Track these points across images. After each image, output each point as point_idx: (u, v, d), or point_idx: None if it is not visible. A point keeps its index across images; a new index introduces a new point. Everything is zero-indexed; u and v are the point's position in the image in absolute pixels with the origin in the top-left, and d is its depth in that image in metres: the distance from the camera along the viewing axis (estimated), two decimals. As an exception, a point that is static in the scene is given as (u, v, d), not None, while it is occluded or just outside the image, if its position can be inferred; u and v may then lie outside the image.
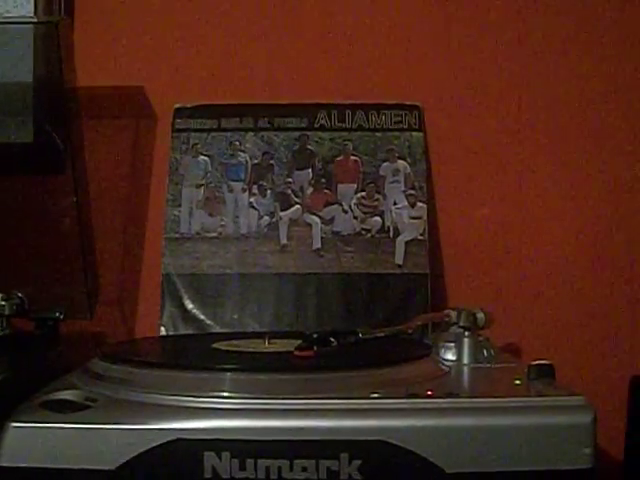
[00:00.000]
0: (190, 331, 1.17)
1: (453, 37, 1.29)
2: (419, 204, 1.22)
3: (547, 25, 1.28)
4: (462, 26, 1.29)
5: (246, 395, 0.79)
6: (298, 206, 1.22)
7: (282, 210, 1.22)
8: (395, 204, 1.22)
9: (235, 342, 1.00)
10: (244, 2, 1.29)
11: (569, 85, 1.28)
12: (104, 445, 0.76)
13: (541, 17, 1.28)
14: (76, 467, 0.76)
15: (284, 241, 1.21)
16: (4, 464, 0.76)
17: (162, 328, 1.18)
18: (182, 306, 1.19)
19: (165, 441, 0.76)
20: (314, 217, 1.22)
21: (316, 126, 1.24)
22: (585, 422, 0.77)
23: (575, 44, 1.28)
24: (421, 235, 1.21)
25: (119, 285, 1.28)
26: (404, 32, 1.29)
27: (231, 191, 1.23)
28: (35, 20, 1.21)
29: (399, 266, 1.20)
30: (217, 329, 1.17)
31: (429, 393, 0.80)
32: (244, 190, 1.23)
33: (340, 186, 1.23)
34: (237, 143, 1.24)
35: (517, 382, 0.85)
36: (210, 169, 1.23)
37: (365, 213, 1.22)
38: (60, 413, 0.79)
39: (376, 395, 0.79)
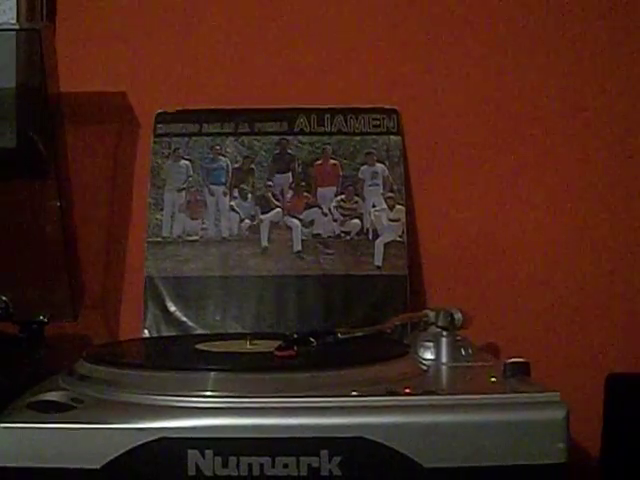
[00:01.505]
0: (173, 333, 1.18)
1: (431, 41, 1.30)
2: (397, 206, 1.23)
3: (528, 26, 1.30)
4: (440, 30, 1.30)
5: (229, 394, 0.80)
6: (278, 209, 1.24)
7: (263, 213, 1.23)
8: (374, 207, 1.23)
9: (217, 343, 1.02)
10: (224, 9, 1.30)
11: (550, 87, 1.30)
12: (89, 444, 0.77)
13: (522, 18, 1.30)
14: (62, 466, 0.77)
15: (265, 244, 1.22)
16: (-9, 464, 0.77)
17: (145, 330, 1.19)
18: (165, 308, 1.20)
19: (149, 440, 0.77)
20: (294, 220, 1.23)
21: (296, 130, 1.26)
22: (558, 417, 0.79)
23: (559, 44, 1.30)
24: (400, 237, 1.22)
25: (102, 288, 1.29)
26: (382, 36, 1.30)
27: (212, 195, 1.24)
28: (17, 27, 1.22)
29: (378, 267, 1.21)
30: (199, 331, 1.19)
31: (407, 391, 0.82)
32: (225, 194, 1.24)
33: (320, 189, 1.24)
34: (218, 147, 1.25)
35: (493, 379, 0.87)
36: (191, 173, 1.25)
37: (344, 216, 1.23)
38: (46, 413, 0.80)
39: (356, 393, 0.81)
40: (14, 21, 1.26)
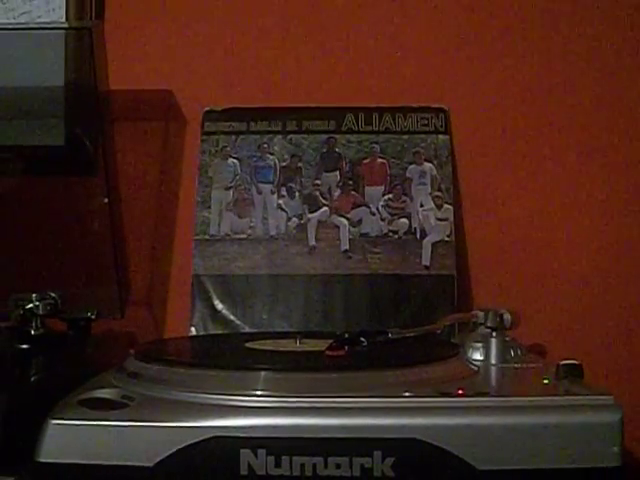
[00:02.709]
0: (220, 331, 1.19)
1: (479, 40, 1.30)
2: (445, 206, 1.23)
3: (573, 27, 1.29)
4: (488, 29, 1.29)
5: (281, 393, 0.80)
6: (326, 208, 1.23)
7: (310, 212, 1.23)
8: (422, 206, 1.23)
9: (267, 342, 1.02)
10: (272, 7, 1.30)
11: (595, 86, 1.29)
12: (142, 442, 0.78)
13: (566, 20, 1.29)
14: (114, 464, 0.77)
15: (312, 242, 1.22)
16: (44, 460, 0.78)
17: (192, 328, 1.19)
18: (212, 307, 1.20)
19: (202, 439, 0.77)
20: (342, 219, 1.23)
21: (344, 129, 1.26)
22: (613, 421, 0.78)
23: (600, 45, 1.29)
24: (447, 236, 1.22)
25: (150, 286, 1.30)
26: (430, 36, 1.30)
27: (260, 193, 1.24)
28: (67, 26, 1.23)
29: (426, 267, 1.21)
30: (246, 329, 1.19)
31: (460, 392, 0.81)
32: (273, 192, 1.24)
33: (367, 188, 1.24)
34: (266, 146, 1.25)
35: (546, 381, 0.86)
36: (239, 171, 1.25)
37: (392, 215, 1.23)
38: (98, 411, 0.80)
39: (408, 394, 0.80)
40: (63, 19, 1.26)
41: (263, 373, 0.84)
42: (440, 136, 1.26)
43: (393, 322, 1.15)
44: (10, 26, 1.20)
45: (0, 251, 1.22)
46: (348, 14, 1.30)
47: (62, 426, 0.78)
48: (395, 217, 1.23)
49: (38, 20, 1.25)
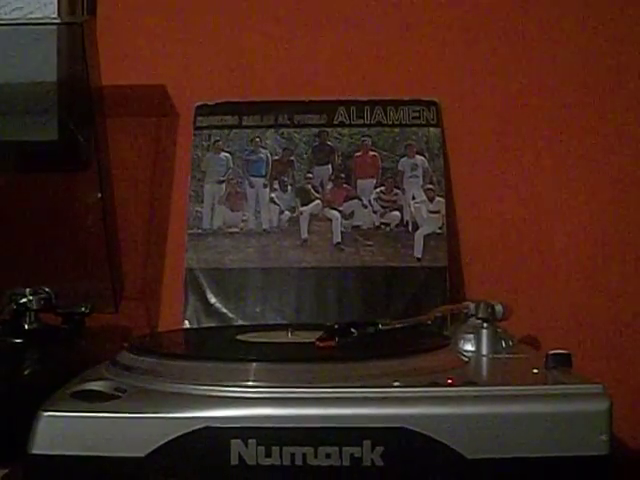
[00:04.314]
0: (213, 324, 1.19)
1: (470, 33, 1.30)
2: (437, 198, 1.23)
3: (565, 23, 1.29)
4: (479, 22, 1.30)
5: (271, 384, 0.81)
6: (318, 201, 1.24)
7: (303, 205, 1.24)
8: (414, 198, 1.23)
9: (259, 334, 1.02)
10: (263, 1, 1.31)
11: (585, 82, 1.29)
12: (133, 433, 0.78)
13: (559, 15, 1.29)
14: (106, 455, 0.78)
15: (305, 236, 1.23)
16: (37, 452, 0.78)
17: (186, 321, 1.20)
18: (205, 300, 1.21)
19: (192, 429, 0.77)
20: (334, 212, 1.23)
21: (335, 122, 1.26)
22: (602, 409, 0.78)
23: (592, 43, 1.29)
24: (439, 229, 1.22)
25: (143, 280, 1.30)
26: (421, 29, 1.30)
27: (252, 187, 1.25)
28: (59, 21, 1.24)
29: (418, 259, 1.21)
30: (239, 322, 1.19)
31: (450, 381, 0.82)
32: (265, 186, 1.25)
33: (359, 181, 1.24)
34: (258, 140, 1.26)
35: (535, 371, 0.86)
36: (231, 165, 1.25)
37: (384, 207, 1.23)
38: (91, 403, 0.80)
39: (398, 384, 0.81)
40: (55, 15, 1.27)
41: (254, 364, 0.85)
42: (432, 129, 1.26)
43: (385, 314, 1.15)
44: (2, 22, 1.21)
45: (-6, 246, 1.22)
46: (339, 8, 1.30)
47: (54, 418, 0.79)
48: (387, 210, 1.23)
49: (30, 16, 1.26)
